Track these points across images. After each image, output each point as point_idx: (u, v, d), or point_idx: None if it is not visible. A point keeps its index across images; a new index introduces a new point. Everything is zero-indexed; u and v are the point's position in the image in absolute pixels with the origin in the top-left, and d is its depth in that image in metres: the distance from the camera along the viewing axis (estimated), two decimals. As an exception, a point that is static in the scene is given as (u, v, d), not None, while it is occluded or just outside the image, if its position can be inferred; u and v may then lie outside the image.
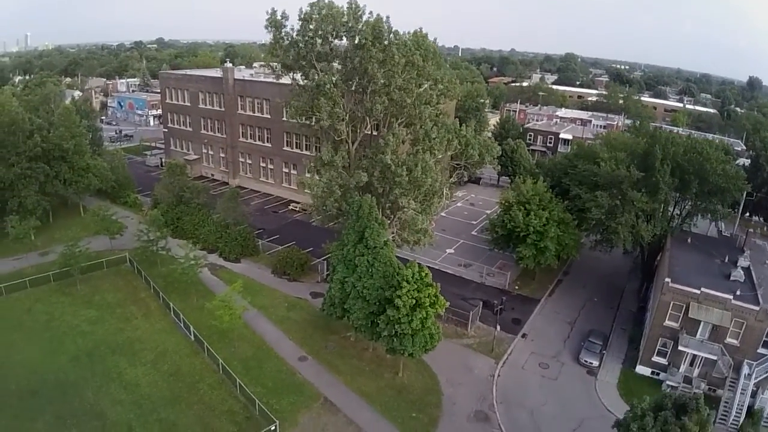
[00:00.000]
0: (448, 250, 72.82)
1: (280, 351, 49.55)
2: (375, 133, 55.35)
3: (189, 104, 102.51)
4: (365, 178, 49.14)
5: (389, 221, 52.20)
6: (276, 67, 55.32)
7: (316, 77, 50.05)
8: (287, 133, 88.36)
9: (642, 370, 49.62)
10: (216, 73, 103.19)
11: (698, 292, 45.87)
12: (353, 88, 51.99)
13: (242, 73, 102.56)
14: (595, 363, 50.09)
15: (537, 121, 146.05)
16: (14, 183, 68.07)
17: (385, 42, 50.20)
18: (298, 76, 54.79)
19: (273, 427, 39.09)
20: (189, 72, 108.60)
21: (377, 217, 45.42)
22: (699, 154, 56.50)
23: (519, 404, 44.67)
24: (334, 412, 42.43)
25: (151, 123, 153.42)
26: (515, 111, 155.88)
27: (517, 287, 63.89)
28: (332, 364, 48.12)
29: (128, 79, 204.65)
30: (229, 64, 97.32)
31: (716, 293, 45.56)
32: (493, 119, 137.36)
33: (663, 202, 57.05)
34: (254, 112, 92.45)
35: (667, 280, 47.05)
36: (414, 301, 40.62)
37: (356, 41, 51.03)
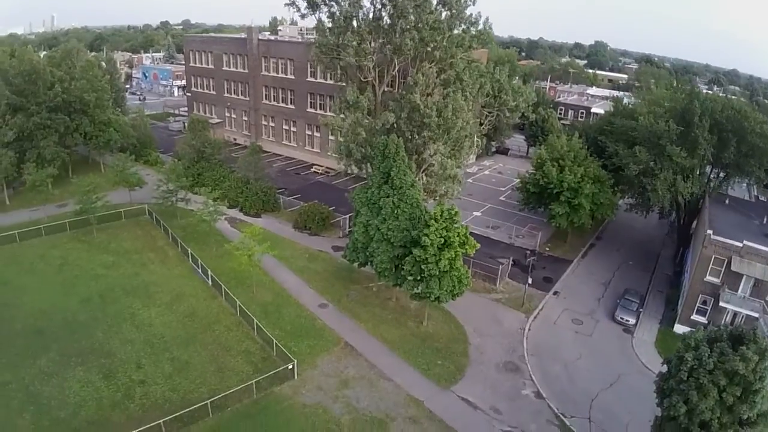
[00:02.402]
0: (475, 213, 70.14)
1: (299, 298, 47.64)
2: (402, 81, 52.86)
3: (213, 67, 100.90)
4: (392, 119, 46.75)
5: (416, 171, 49.77)
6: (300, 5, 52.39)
7: (345, 8, 47.43)
8: (311, 94, 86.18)
9: (680, 329, 46.44)
10: (240, 35, 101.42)
11: (740, 245, 43.17)
12: (382, 25, 49.40)
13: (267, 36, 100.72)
14: (632, 321, 47.21)
15: (567, 97, 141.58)
16: (33, 133, 67.37)
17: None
18: (324, 15, 52.32)
19: (291, 366, 37.19)
20: (214, 35, 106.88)
21: (404, 157, 42.92)
22: (737, 112, 53.30)
23: (552, 357, 42.12)
24: (355, 356, 40.38)
25: (176, 93, 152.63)
26: (545, 88, 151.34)
27: (547, 248, 61.02)
28: (354, 311, 46.05)
29: (153, 54, 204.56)
30: (254, 24, 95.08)
31: (759, 246, 42.93)
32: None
33: (702, 158, 53.72)
34: (278, 73, 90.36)
35: (709, 231, 44.03)
36: (442, 240, 38.19)
37: None
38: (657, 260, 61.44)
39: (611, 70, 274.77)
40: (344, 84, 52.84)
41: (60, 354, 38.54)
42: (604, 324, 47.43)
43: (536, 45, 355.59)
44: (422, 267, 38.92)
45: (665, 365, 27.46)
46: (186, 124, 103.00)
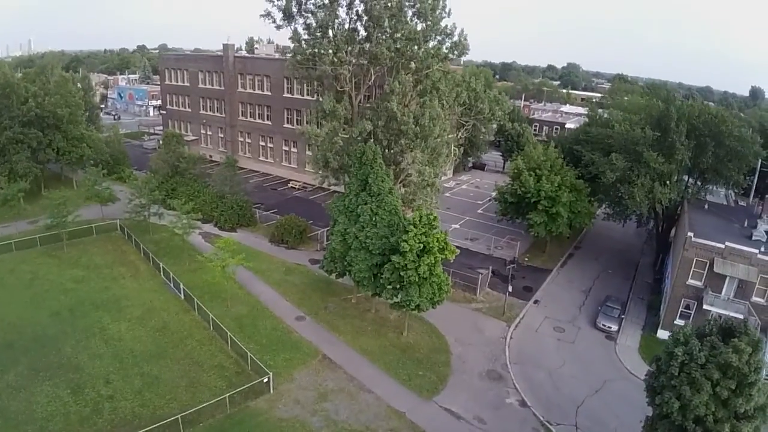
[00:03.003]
0: (454, 225, 69.63)
1: (276, 311, 46.28)
2: (379, 92, 52.48)
3: (188, 84, 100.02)
4: (369, 127, 46.17)
5: (394, 181, 49.14)
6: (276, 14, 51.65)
7: (320, 18, 46.91)
8: (288, 110, 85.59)
9: (663, 334, 45.98)
10: (217, 53, 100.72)
11: (722, 246, 43.20)
12: (358, 38, 49.13)
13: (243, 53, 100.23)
14: (614, 327, 46.74)
15: (542, 114, 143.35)
16: (6, 148, 66.62)
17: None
18: (299, 27, 51.76)
19: (266, 379, 35.78)
20: (189, 53, 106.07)
21: (381, 164, 42.29)
22: (714, 117, 53.94)
23: (535, 365, 41.33)
24: (334, 368, 39.07)
25: (151, 113, 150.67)
26: (520, 106, 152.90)
27: (526, 259, 60.63)
28: (332, 323, 44.82)
29: (129, 75, 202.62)
30: (230, 41, 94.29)
31: (741, 247, 43.09)
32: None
33: (679, 164, 54.10)
34: (254, 90, 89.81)
35: (690, 234, 44.08)
36: (421, 246, 37.44)
37: None
38: (636, 268, 61.46)
39: (584, 90, 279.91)
40: (320, 97, 52.28)
41: (28, 368, 36.83)
42: (586, 331, 46.92)
43: (510, 67, 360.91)
44: (401, 274, 38.10)
45: (654, 363, 26.82)
46: (160, 142, 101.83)
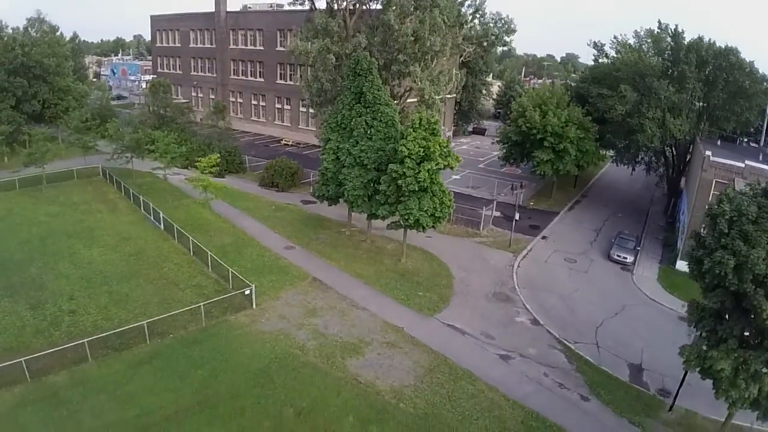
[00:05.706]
0: (454, 176, 65.93)
1: (263, 241, 42.64)
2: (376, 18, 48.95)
3: (179, 45, 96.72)
4: (364, 42, 42.62)
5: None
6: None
7: None
8: (281, 65, 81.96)
9: (683, 266, 42.55)
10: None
11: (743, 165, 39.83)
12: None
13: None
14: (630, 259, 43.23)
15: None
16: None
17: None
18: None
19: (247, 291, 32.27)
20: (182, 12, 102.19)
21: (377, 75, 38.65)
22: (723, 50, 50.45)
23: (546, 290, 37.76)
24: (324, 289, 35.50)
25: (144, 88, 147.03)
26: (519, 79, 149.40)
27: (532, 203, 57.08)
28: (324, 252, 41.24)
29: (123, 56, 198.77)
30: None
31: (763, 166, 39.95)
32: (496, 85, 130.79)
33: (690, 95, 50.59)
34: (247, 45, 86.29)
35: (708, 153, 40.69)
36: (422, 151, 33.90)
37: None
38: (647, 214, 58.04)
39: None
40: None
41: (-13, 289, 33.30)
42: (599, 263, 43.39)
43: (508, 54, 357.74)
44: (399, 183, 34.53)
45: (694, 237, 23.22)
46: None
